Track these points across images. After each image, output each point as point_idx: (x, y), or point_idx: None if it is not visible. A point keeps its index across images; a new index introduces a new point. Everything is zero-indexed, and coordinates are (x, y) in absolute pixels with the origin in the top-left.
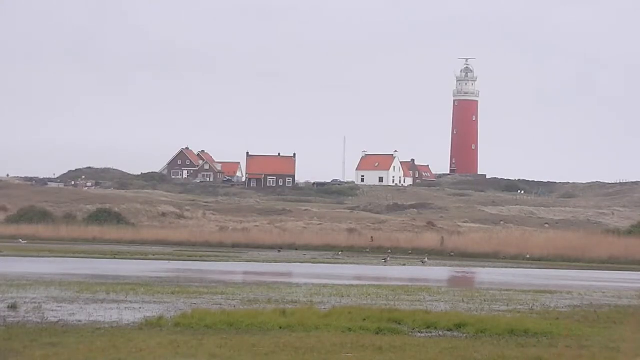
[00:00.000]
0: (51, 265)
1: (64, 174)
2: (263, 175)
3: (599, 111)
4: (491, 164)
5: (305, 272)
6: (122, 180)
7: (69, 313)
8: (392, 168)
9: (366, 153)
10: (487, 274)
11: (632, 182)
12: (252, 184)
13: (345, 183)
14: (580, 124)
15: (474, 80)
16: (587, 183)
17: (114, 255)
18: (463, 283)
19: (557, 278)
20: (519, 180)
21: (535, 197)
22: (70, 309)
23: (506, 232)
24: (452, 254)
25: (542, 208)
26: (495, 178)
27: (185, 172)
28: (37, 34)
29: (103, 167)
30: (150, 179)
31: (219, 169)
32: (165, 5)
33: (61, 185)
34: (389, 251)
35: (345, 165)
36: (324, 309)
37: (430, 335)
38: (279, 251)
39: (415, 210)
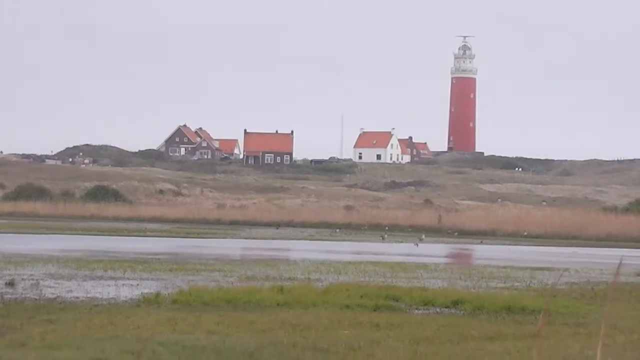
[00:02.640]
0: (48, 242)
1: (61, 151)
2: (261, 153)
3: (597, 88)
4: (489, 141)
5: (303, 250)
6: (120, 157)
7: (66, 290)
8: (389, 145)
9: (364, 130)
10: (485, 252)
11: (630, 160)
12: (249, 161)
13: (343, 160)
14: (578, 101)
15: (472, 58)
16: (585, 160)
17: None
18: (460, 260)
19: (555, 255)
20: (516, 157)
21: (532, 175)
22: (68, 286)
23: (504, 210)
24: (451, 231)
25: (540, 185)
26: (492, 155)
27: (182, 150)
28: (39, 13)
29: (100, 144)
30: (148, 156)
31: (217, 146)
32: None
33: (58, 163)
34: (387, 229)
35: (343, 142)
36: (322, 286)
37: (427, 312)
38: (277, 228)
39: (412, 187)
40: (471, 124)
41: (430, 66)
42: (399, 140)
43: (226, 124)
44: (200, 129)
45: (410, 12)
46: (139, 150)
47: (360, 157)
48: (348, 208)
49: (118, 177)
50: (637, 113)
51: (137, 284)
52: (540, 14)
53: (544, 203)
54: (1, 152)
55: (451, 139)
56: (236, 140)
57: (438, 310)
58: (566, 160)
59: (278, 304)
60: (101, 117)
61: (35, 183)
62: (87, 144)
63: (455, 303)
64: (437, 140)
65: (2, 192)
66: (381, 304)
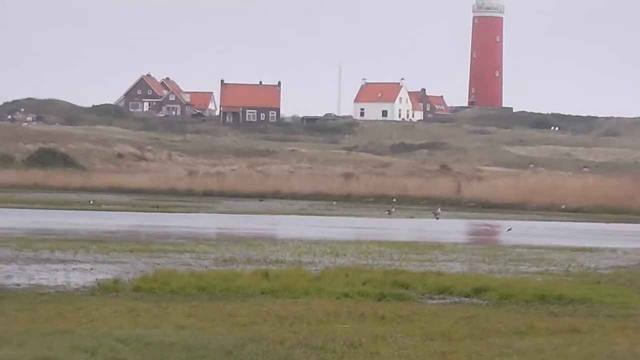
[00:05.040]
0: None
1: None
2: (241, 109)
3: None
4: (518, 94)
5: (292, 226)
6: (70, 114)
7: (5, 275)
8: (398, 100)
9: (366, 81)
10: (513, 228)
11: None
12: (227, 118)
13: (341, 118)
14: (628, 48)
15: None
16: (635, 118)
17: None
18: (484, 239)
19: (598, 233)
20: (551, 114)
21: (571, 135)
22: (7, 270)
23: (536, 178)
24: (472, 204)
25: (580, 148)
26: (523, 112)
27: (146, 105)
28: None
29: (46, 98)
30: (104, 113)
31: (187, 100)
32: None
33: None
34: (394, 201)
35: (341, 96)
36: (315, 270)
37: (443, 302)
38: (261, 200)
39: (426, 151)
40: (497, 74)
41: (447, 2)
42: (409, 93)
43: (199, 74)
44: (168, 79)
45: None
46: (93, 106)
47: (362, 114)
48: (347, 176)
49: (68, 138)
50: None
51: (91, 268)
52: None
53: (585, 169)
54: None
55: (472, 91)
56: (211, 94)
57: (456, 299)
58: (612, 118)
59: (262, 292)
60: (47, 66)
61: None
62: (30, 98)
63: (478, 291)
64: (456, 93)
65: None
66: (387, 292)
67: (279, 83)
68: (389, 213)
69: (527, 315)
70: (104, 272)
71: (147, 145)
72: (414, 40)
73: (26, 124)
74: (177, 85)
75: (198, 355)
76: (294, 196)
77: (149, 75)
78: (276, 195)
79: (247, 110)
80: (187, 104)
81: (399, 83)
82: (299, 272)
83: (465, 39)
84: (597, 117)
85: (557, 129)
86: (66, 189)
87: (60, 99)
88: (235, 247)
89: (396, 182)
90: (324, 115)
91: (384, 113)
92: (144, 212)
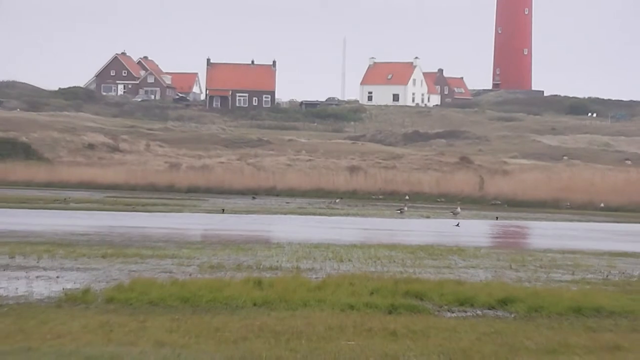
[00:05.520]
0: None
1: None
2: (230, 92)
3: None
4: (550, 75)
5: (290, 227)
6: (33, 98)
7: None
8: (411, 82)
9: (375, 61)
10: (544, 230)
11: None
12: (214, 103)
13: (346, 103)
14: None
15: None
16: None
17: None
18: (510, 242)
19: None
20: (588, 98)
21: (611, 123)
22: None
23: (571, 172)
24: (497, 202)
25: (622, 138)
26: (556, 96)
27: (120, 87)
28: None
29: (6, 80)
30: (73, 97)
31: (168, 82)
32: None
33: None
34: (407, 198)
35: (346, 78)
36: (316, 278)
37: (464, 315)
38: (253, 198)
39: (443, 140)
40: (525, 51)
41: None
42: (424, 74)
43: (182, 53)
44: (146, 58)
45: None
46: (60, 89)
47: (369, 99)
48: (352, 169)
49: (30, 126)
50: None
51: (57, 276)
52: None
53: (628, 162)
54: None
55: (497, 72)
56: (196, 75)
57: (479, 312)
58: None
59: (255, 304)
60: (6, 44)
61: None
62: None
63: (503, 302)
64: (478, 74)
65: None
66: (399, 304)
67: (274, 62)
68: (401, 212)
69: (561, 330)
70: (72, 281)
71: (122, 134)
72: (431, 14)
73: None
74: (157, 65)
75: None
76: (292, 193)
77: (124, 53)
78: (271, 192)
79: (238, 94)
80: (168, 86)
81: (412, 63)
82: (297, 280)
83: (489, 11)
84: None
85: (594, 115)
86: (28, 185)
87: (21, 81)
88: (223, 252)
89: (409, 177)
90: (326, 100)
91: (395, 97)
92: (118, 211)
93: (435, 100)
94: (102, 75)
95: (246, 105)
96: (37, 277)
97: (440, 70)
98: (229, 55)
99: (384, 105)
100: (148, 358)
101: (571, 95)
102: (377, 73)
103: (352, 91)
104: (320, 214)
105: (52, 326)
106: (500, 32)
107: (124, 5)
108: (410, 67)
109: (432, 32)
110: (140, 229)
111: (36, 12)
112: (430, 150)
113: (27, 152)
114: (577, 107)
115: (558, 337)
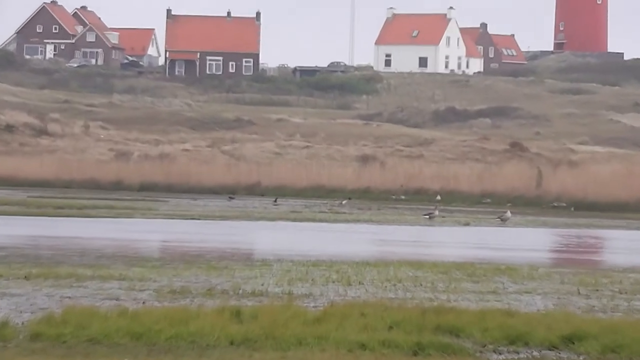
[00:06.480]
0: None
1: None
2: (198, 55)
3: None
4: (633, 34)
5: (279, 239)
6: None
7: None
8: (444, 41)
9: (395, 12)
10: (625, 242)
11: None
12: (177, 70)
13: (355, 69)
14: None
15: None
16: None
17: None
18: (578, 259)
19: None
20: None
21: None
22: None
23: None
24: (560, 203)
25: None
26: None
27: (50, 48)
28: None
29: None
30: None
31: (115, 42)
32: None
33: None
34: (438, 199)
35: (355, 37)
36: (315, 307)
37: (515, 357)
38: (231, 198)
39: (488, 120)
40: (599, 1)
41: None
42: (461, 30)
43: (134, 1)
44: (84, 9)
45: None
46: None
47: (387, 64)
48: (365, 160)
49: None
50: None
51: None
52: None
53: None
54: None
55: (561, 28)
56: (152, 31)
57: (535, 353)
58: None
59: (232, 342)
60: None
61: None
62: None
63: (569, 340)
64: (535, 31)
65: None
66: (427, 342)
67: (258, 15)
68: (430, 218)
69: None
70: None
71: (51, 111)
72: None
73: None
74: (99, 19)
75: None
76: (282, 191)
77: (54, 2)
78: (254, 190)
79: (208, 58)
80: (114, 47)
81: (446, 15)
82: (289, 310)
83: None
84: None
85: None
86: None
87: None
88: (189, 271)
89: (441, 170)
90: (328, 66)
91: (423, 62)
92: (47, 216)
93: (477, 65)
94: (25, 32)
95: (220, 73)
96: None
97: (484, 26)
98: (196, 4)
99: (407, 73)
100: None
101: None
102: (398, 29)
103: (363, 54)
104: (320, 220)
105: None
106: None
107: None
108: (443, 20)
109: None
110: (77, 240)
111: None
112: (469, 134)
113: None
114: None
115: None
